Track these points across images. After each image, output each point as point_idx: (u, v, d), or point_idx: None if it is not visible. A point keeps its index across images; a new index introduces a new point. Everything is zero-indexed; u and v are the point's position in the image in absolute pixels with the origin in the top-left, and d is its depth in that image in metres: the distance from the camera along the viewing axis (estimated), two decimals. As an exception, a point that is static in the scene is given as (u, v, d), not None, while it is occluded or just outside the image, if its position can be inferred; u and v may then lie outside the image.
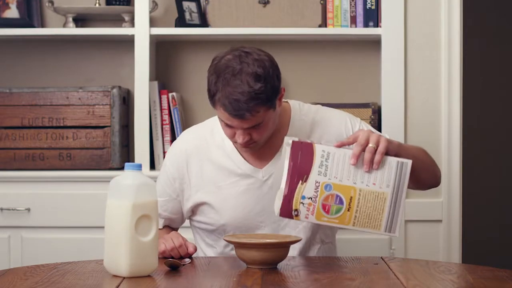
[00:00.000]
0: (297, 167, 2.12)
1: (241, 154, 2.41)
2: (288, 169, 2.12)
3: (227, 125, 2.29)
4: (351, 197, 2.12)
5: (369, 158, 2.13)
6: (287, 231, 2.38)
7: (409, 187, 2.43)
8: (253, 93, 2.20)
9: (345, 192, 2.12)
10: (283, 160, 2.15)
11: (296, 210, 2.12)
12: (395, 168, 2.14)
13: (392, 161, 2.14)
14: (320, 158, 2.12)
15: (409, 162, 2.15)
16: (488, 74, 4.87)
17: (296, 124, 2.42)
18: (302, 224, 2.38)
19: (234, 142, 2.35)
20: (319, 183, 2.11)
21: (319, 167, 2.11)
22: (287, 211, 2.12)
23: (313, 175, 2.11)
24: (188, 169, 2.44)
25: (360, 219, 2.12)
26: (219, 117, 2.30)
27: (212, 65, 2.29)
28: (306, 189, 2.11)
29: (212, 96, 2.26)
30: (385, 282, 2.00)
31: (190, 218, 2.50)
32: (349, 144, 2.16)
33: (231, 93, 2.21)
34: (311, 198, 2.11)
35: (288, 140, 2.13)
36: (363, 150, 2.14)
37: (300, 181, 2.11)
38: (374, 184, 2.12)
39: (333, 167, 2.12)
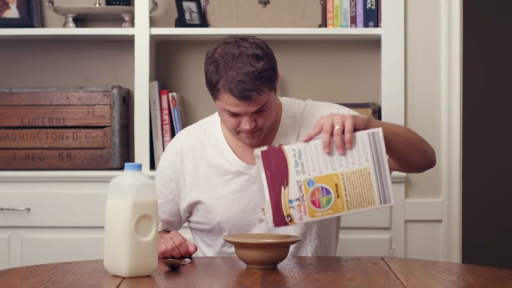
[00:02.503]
0: (274, 175, 2.10)
1: (234, 152, 2.41)
2: (267, 179, 2.10)
3: (231, 115, 2.29)
4: (336, 184, 2.10)
5: (339, 141, 2.10)
6: (283, 227, 2.37)
7: (402, 170, 2.42)
8: (257, 72, 2.22)
9: (328, 181, 2.10)
10: (259, 173, 2.13)
11: (288, 215, 2.11)
12: (367, 141, 2.12)
13: (363, 135, 2.12)
14: (293, 158, 2.10)
15: (379, 130, 2.13)
16: (488, 74, 4.87)
17: (287, 120, 2.43)
18: None
19: (238, 133, 2.34)
20: (301, 182, 2.10)
21: (295, 167, 2.10)
22: (280, 219, 2.11)
23: (292, 177, 2.10)
24: (184, 169, 2.44)
25: (352, 202, 2.11)
26: (222, 108, 2.30)
27: (207, 57, 2.31)
28: (290, 192, 2.10)
29: (214, 85, 2.26)
30: (385, 282, 2.00)
31: (187, 219, 2.51)
32: (316, 134, 2.14)
33: (235, 76, 2.22)
34: (299, 199, 2.10)
35: (257, 152, 2.11)
36: (332, 135, 2.12)
37: (282, 187, 2.10)
38: (353, 163, 2.11)
39: (309, 161, 2.10)
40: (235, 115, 2.29)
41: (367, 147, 2.12)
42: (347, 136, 2.11)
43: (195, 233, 2.52)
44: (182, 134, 2.52)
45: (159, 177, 2.48)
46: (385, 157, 2.12)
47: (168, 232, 2.46)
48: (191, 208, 2.45)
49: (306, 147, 2.11)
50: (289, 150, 2.11)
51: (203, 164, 2.43)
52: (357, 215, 2.16)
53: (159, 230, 2.45)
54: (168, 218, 2.48)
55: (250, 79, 2.22)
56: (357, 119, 2.15)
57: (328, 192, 2.10)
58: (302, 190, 2.10)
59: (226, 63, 2.24)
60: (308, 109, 2.46)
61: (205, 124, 2.50)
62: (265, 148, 2.11)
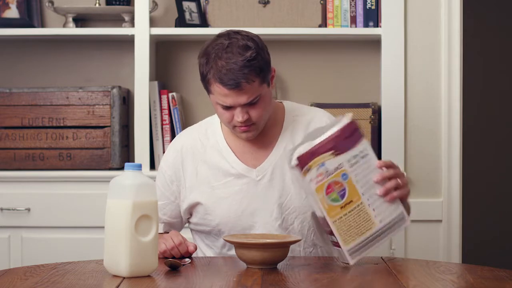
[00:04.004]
0: (338, 140, 2.11)
1: (235, 154, 2.41)
2: (332, 134, 2.11)
3: (224, 108, 2.30)
4: (351, 201, 2.12)
5: (390, 187, 2.15)
6: (279, 232, 2.38)
7: None
8: (245, 61, 2.24)
9: (351, 192, 2.12)
10: (331, 126, 2.13)
11: (310, 167, 2.11)
12: (396, 215, 2.16)
13: (399, 207, 2.17)
14: (359, 151, 2.13)
15: (407, 221, 2.18)
16: (488, 74, 4.87)
17: (290, 123, 2.43)
18: (293, 225, 2.38)
19: (234, 128, 2.34)
20: (342, 167, 2.11)
21: (353, 157, 2.12)
22: (304, 162, 2.11)
23: (344, 158, 2.11)
24: (184, 170, 2.44)
25: (341, 223, 2.12)
26: (215, 102, 2.31)
27: (201, 52, 2.33)
28: (330, 161, 2.11)
29: (205, 76, 2.29)
30: (385, 282, 2.00)
31: (188, 220, 2.50)
32: (381, 166, 2.17)
33: (224, 65, 2.24)
34: (327, 172, 2.11)
35: (348, 115, 2.14)
36: (391, 179, 2.16)
37: (332, 151, 2.11)
38: (373, 210, 2.14)
39: (361, 167, 2.13)
40: (228, 108, 2.29)
41: (391, 216, 2.16)
42: (396, 193, 2.16)
43: (195, 234, 2.52)
44: (183, 135, 2.52)
45: (160, 178, 2.48)
46: (389, 236, 2.16)
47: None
48: (191, 209, 2.45)
49: (371, 159, 2.14)
50: (364, 145, 2.13)
51: (203, 166, 2.43)
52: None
53: (161, 231, 2.45)
54: (170, 220, 2.48)
55: (239, 67, 2.24)
56: (409, 193, 2.22)
57: (343, 196, 2.12)
58: (335, 172, 2.11)
59: (216, 54, 2.27)
60: (314, 113, 2.47)
61: (205, 125, 2.50)
62: (356, 122, 2.14)
